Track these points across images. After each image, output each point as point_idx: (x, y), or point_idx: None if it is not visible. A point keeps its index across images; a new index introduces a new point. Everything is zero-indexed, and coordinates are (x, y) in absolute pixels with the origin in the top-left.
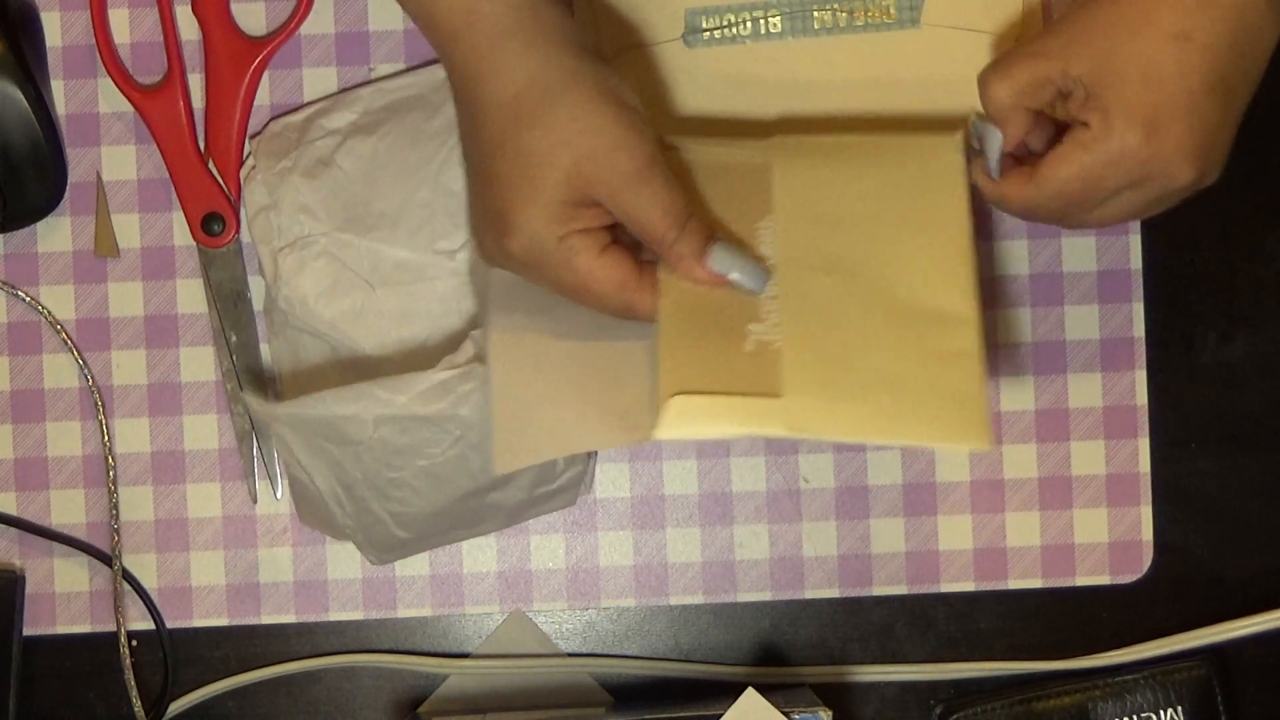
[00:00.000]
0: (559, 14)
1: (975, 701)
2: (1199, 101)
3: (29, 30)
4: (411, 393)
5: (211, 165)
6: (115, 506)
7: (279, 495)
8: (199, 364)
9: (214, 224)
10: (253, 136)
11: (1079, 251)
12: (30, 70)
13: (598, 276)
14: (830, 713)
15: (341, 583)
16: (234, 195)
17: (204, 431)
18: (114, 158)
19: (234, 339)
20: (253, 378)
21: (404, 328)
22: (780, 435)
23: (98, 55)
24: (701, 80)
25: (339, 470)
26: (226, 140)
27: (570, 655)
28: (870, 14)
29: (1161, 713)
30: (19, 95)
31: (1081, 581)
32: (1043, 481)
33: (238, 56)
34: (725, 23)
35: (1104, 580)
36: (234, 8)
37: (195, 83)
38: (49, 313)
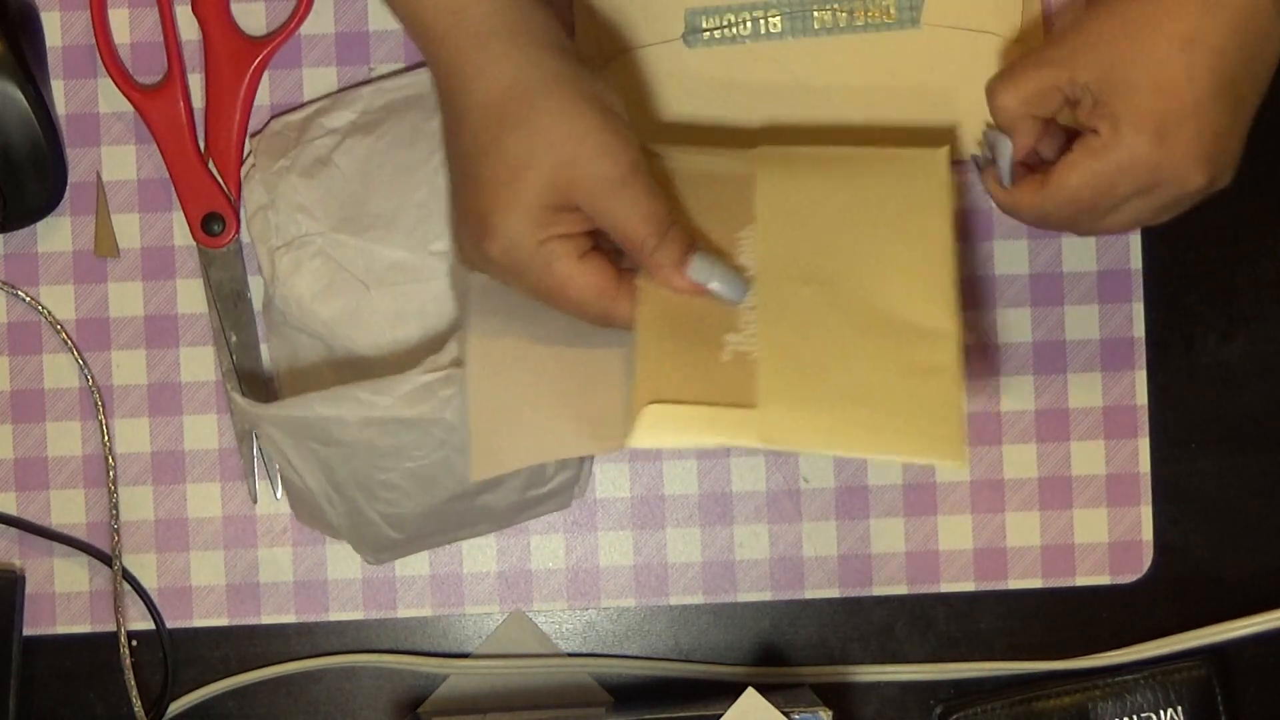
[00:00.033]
0: (544, 17)
1: (975, 701)
2: (1207, 106)
3: (29, 30)
4: (394, 395)
5: (211, 165)
6: (115, 506)
7: (279, 495)
8: (199, 364)
9: (214, 224)
10: (254, 135)
11: (1079, 251)
12: (30, 70)
13: (577, 282)
14: (830, 713)
15: (341, 583)
16: (234, 195)
17: (204, 431)
18: (114, 158)
19: (234, 339)
20: (252, 378)
21: (398, 328)
22: (753, 446)
23: (98, 55)
24: (701, 80)
25: (328, 470)
26: (226, 140)
27: (570, 655)
28: (870, 14)
29: (1161, 713)
30: (19, 95)
31: (1081, 581)
32: (1043, 481)
33: (238, 56)
34: (725, 23)
35: (1104, 580)
36: (234, 8)
37: (195, 83)
38: (49, 313)
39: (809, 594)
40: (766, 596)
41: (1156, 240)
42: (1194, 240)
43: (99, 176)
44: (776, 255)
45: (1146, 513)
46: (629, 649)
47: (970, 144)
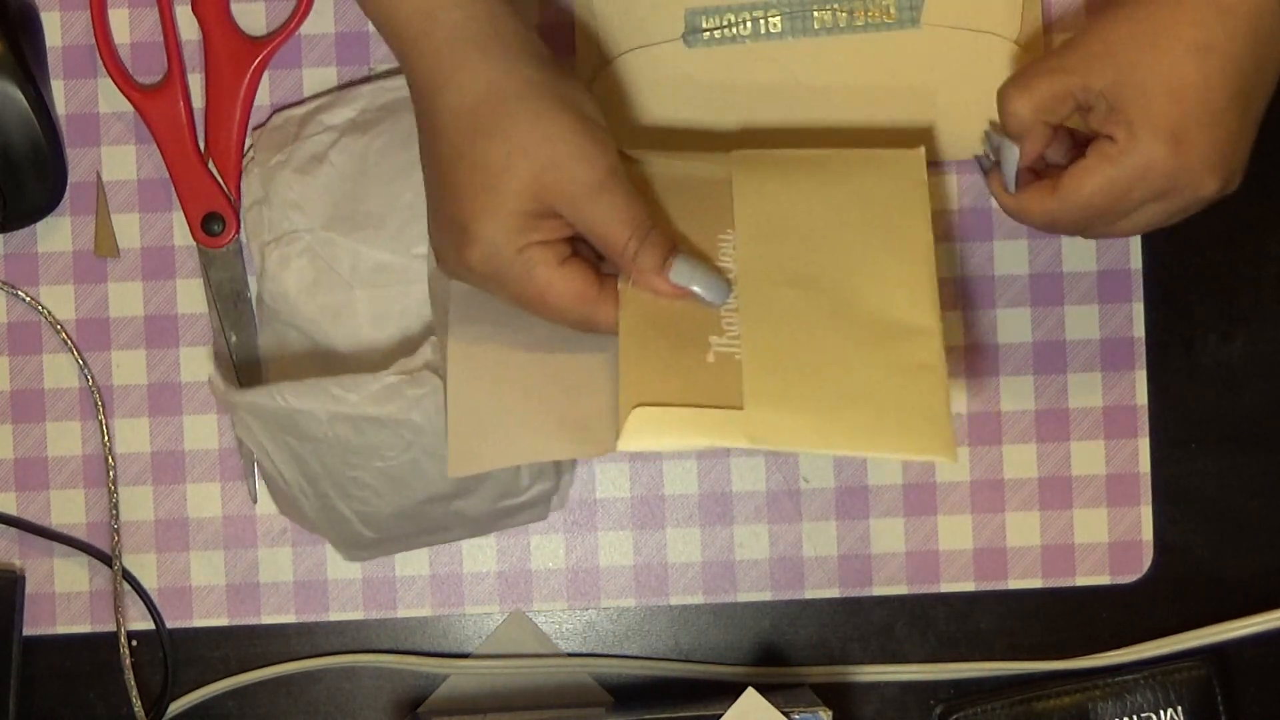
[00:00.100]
0: (518, 24)
1: (975, 701)
2: (1221, 112)
3: (29, 30)
4: (363, 392)
5: (211, 165)
6: (115, 506)
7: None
8: (199, 364)
9: (214, 224)
10: (257, 128)
11: (1079, 251)
12: (30, 70)
13: (557, 289)
14: (830, 713)
15: (341, 583)
16: (234, 195)
17: (204, 431)
18: (114, 158)
19: (234, 339)
20: (250, 377)
21: (379, 329)
22: (742, 446)
23: (98, 55)
24: (701, 80)
25: (302, 463)
26: (226, 140)
27: (570, 655)
28: (870, 14)
29: (1161, 713)
30: (19, 95)
31: (1081, 581)
32: (1043, 481)
33: (238, 56)
34: (725, 23)
35: (1104, 580)
36: (234, 8)
37: (195, 83)
38: (49, 313)
39: (809, 594)
40: (766, 596)
41: (1156, 240)
42: (1194, 240)
43: (99, 176)
44: (757, 257)
45: (1146, 513)
46: (629, 649)
47: (970, 143)
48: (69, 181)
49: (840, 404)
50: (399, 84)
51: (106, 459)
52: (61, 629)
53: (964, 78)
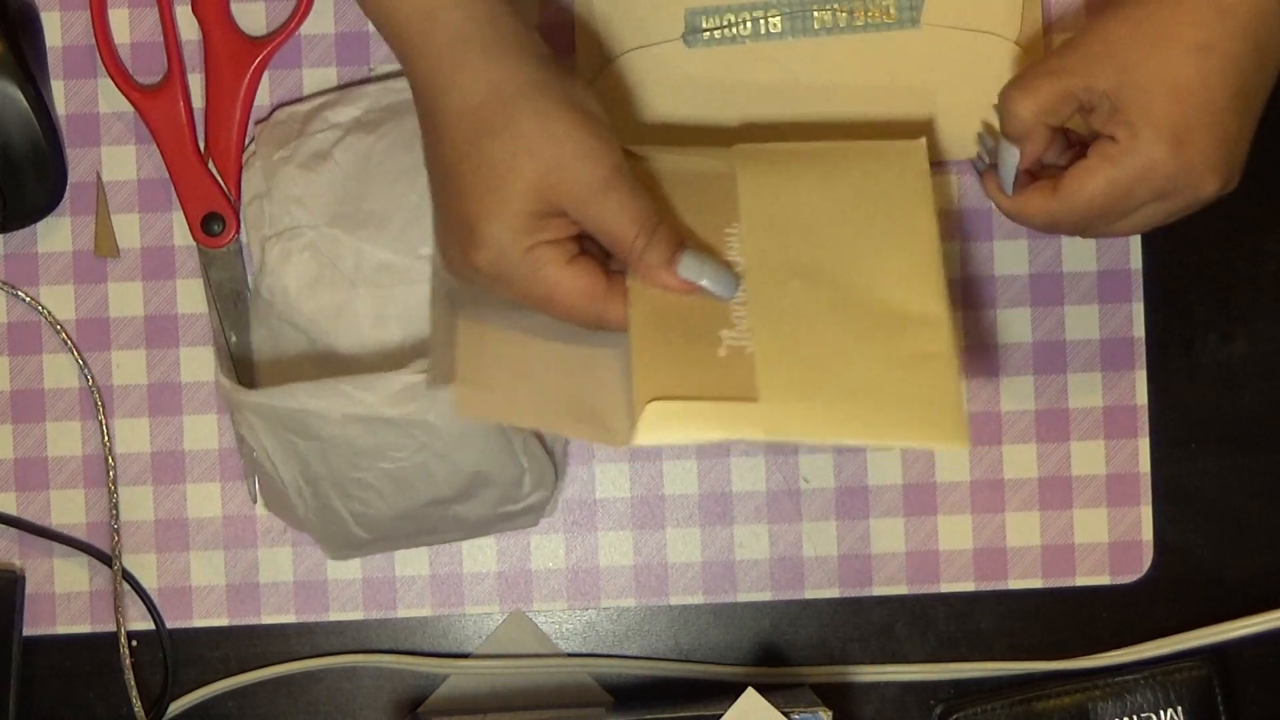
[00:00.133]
0: (518, 24)
1: (975, 701)
2: (1222, 112)
3: (29, 30)
4: (380, 393)
5: (211, 165)
6: (115, 506)
7: None
8: (199, 364)
9: (214, 224)
10: (259, 122)
11: (1079, 251)
12: (30, 70)
13: (566, 287)
14: (830, 713)
15: (341, 583)
16: (234, 195)
17: (204, 431)
18: (114, 158)
19: (234, 339)
20: (245, 373)
21: (380, 329)
22: (757, 438)
23: (98, 55)
24: (701, 80)
25: (304, 464)
26: (226, 140)
27: (570, 655)
28: (870, 14)
29: (1161, 713)
30: (19, 95)
31: (1081, 581)
32: (1043, 481)
33: (238, 56)
34: (725, 23)
35: (1104, 580)
36: (234, 8)
37: (195, 83)
38: (49, 313)
39: (809, 594)
40: (766, 596)
41: (1156, 240)
42: (1194, 240)
43: (99, 176)
44: (763, 250)
45: (1146, 513)
46: (629, 649)
47: (970, 143)
48: (69, 181)
49: (853, 394)
50: (404, 85)
51: (106, 459)
52: (61, 629)
53: (964, 78)
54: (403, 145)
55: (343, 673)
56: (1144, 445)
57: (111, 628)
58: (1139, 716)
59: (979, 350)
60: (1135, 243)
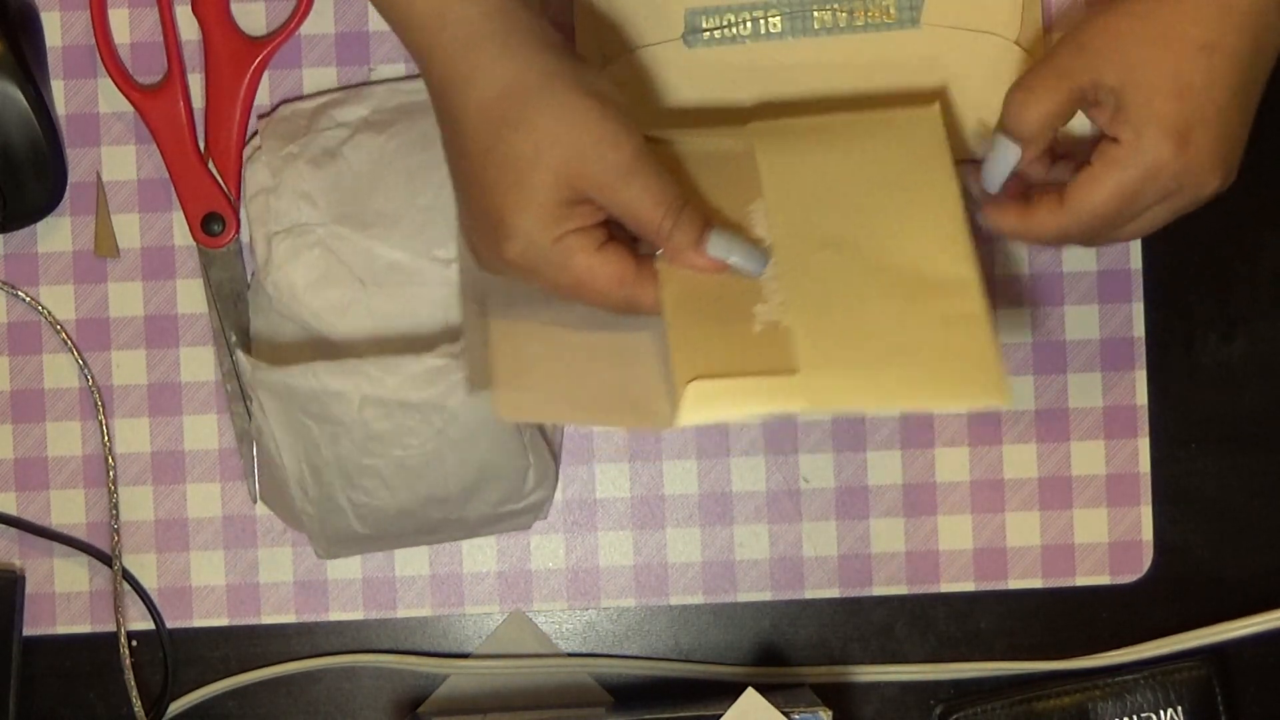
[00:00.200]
0: (531, 15)
1: (975, 701)
2: (1224, 111)
3: (29, 30)
4: (403, 375)
5: (211, 165)
6: (115, 506)
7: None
8: (199, 364)
9: (214, 224)
10: (261, 117)
11: (1079, 251)
12: (30, 70)
13: (597, 274)
14: (830, 713)
15: (341, 583)
16: (234, 195)
17: (204, 431)
18: (114, 158)
19: (234, 339)
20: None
21: (387, 329)
22: (803, 411)
23: (98, 55)
24: (701, 80)
25: (311, 450)
26: (226, 140)
27: (570, 655)
28: (870, 14)
29: (1161, 713)
30: (19, 95)
31: (1081, 581)
32: (1043, 481)
33: (238, 56)
34: (725, 23)
35: (1104, 580)
36: (234, 8)
37: (195, 83)
38: (49, 313)
39: (809, 594)
40: (766, 596)
41: (1156, 240)
42: (1194, 240)
43: (99, 176)
44: (789, 224)
45: (1146, 513)
46: (629, 649)
47: (970, 144)
48: (69, 181)
49: (891, 359)
50: (412, 86)
51: (106, 459)
52: (61, 629)
53: (964, 78)
54: (416, 145)
55: (343, 673)
56: (1144, 445)
57: (111, 628)
58: (1139, 716)
59: None
60: (1135, 243)
